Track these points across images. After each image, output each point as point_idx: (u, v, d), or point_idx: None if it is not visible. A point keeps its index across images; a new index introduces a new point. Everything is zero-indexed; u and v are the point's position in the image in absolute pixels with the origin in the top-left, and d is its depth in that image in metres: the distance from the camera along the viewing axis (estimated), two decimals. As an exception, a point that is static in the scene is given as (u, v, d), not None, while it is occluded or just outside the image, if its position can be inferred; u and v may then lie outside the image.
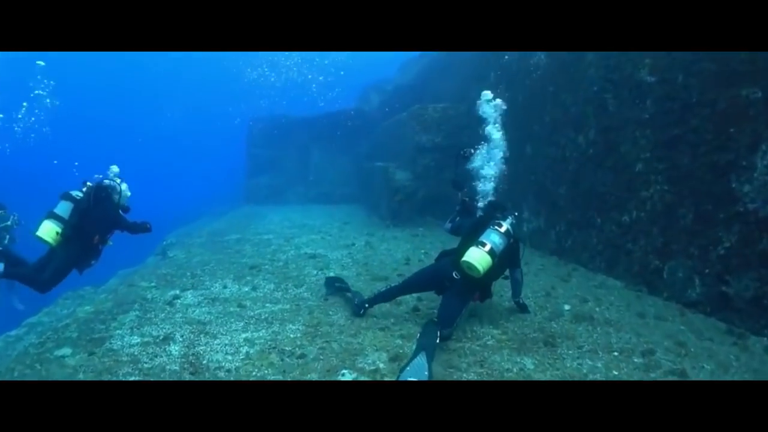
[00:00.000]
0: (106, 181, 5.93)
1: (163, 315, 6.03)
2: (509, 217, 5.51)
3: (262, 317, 5.75)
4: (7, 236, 10.57)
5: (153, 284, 7.61)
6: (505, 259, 5.39)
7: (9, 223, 10.70)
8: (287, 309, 6.04)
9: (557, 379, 4.13)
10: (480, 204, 6.24)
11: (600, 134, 7.65)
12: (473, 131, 12.64)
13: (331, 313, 5.83)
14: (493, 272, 5.15)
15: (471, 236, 5.32)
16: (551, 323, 5.45)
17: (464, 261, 4.98)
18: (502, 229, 5.28)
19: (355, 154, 20.25)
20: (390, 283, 6.00)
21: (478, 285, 5.21)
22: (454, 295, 5.11)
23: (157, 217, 8.11)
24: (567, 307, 5.98)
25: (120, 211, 6.06)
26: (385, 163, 13.65)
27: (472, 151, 6.54)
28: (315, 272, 7.84)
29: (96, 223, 5.69)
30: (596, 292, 6.58)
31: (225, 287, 7.15)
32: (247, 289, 6.99)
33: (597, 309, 5.92)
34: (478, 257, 4.94)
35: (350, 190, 19.77)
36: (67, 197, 5.60)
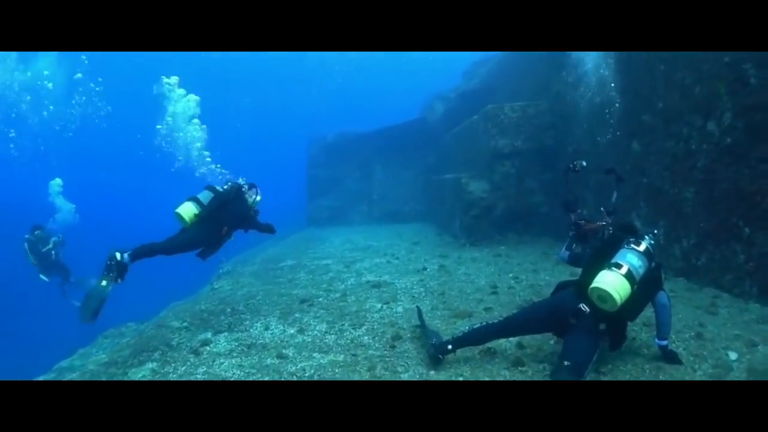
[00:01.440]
0: (245, 185, 6.51)
1: (182, 369, 4.72)
2: (647, 236, 4.06)
3: (305, 375, 4.26)
4: (53, 252, 10.38)
5: (185, 324, 6.40)
6: (645, 289, 3.88)
7: (50, 246, 10.36)
8: (340, 361, 4.51)
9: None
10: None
11: (740, 117, 5.75)
12: (559, 131, 10.92)
13: (399, 368, 4.26)
14: (631, 305, 3.78)
15: (598, 260, 3.91)
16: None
17: (594, 287, 3.69)
18: (641, 248, 3.86)
19: (422, 168, 18.75)
20: (484, 320, 4.42)
21: (611, 323, 3.83)
22: (582, 333, 3.75)
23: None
24: (733, 356, 4.12)
25: (251, 212, 6.51)
26: (456, 175, 12.04)
27: (584, 164, 5.03)
28: (379, 306, 6.31)
29: (230, 216, 6.09)
30: (762, 330, 4.66)
31: (267, 328, 5.77)
32: (292, 331, 5.56)
33: (777, 357, 4.04)
34: (613, 282, 3.62)
35: (418, 207, 18.25)
36: (211, 188, 6.04)
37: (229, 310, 6.90)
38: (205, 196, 5.94)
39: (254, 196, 6.57)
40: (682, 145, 6.72)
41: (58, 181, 12.52)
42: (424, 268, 8.44)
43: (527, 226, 10.92)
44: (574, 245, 5.04)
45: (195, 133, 11.26)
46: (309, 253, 11.87)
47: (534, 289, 6.66)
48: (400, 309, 6.11)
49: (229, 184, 6.34)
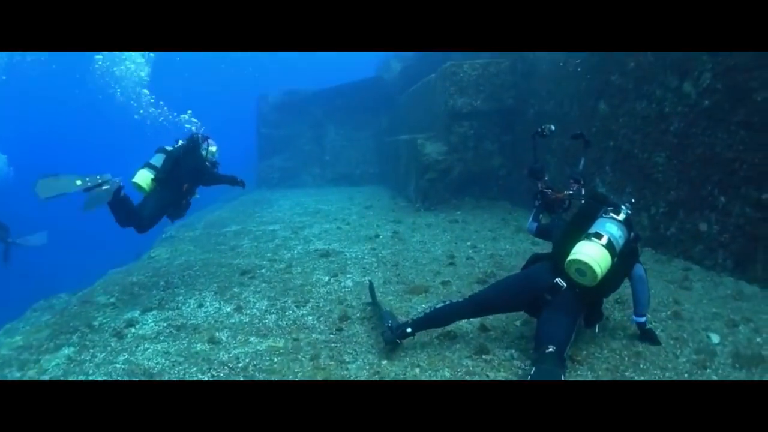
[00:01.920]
0: (196, 135, 6.22)
1: (101, 357, 4.06)
2: (623, 205, 3.67)
3: (239, 365, 3.66)
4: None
5: (112, 300, 5.68)
6: (623, 262, 3.53)
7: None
8: (280, 348, 3.94)
9: None
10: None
11: (719, 78, 5.35)
12: (521, 91, 10.41)
13: (347, 357, 3.71)
14: (610, 279, 3.43)
15: (573, 232, 3.54)
16: (707, 371, 3.29)
17: (573, 260, 3.32)
18: (620, 217, 3.50)
19: (376, 130, 18.04)
20: (447, 299, 3.93)
21: (589, 298, 3.49)
22: (559, 310, 3.36)
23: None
24: (715, 338, 3.78)
25: (207, 164, 6.23)
26: (411, 136, 11.44)
27: (553, 128, 4.46)
28: (326, 279, 5.74)
29: (186, 172, 5.88)
30: (741, 308, 4.36)
31: (201, 306, 5.12)
32: (228, 309, 4.94)
33: (759, 339, 3.72)
34: (593, 254, 3.26)
35: (371, 169, 17.64)
36: (161, 150, 5.84)
37: (162, 283, 6.19)
38: (157, 159, 5.75)
39: (208, 147, 6.29)
40: (655, 106, 6.29)
41: None
42: (377, 235, 7.90)
43: (485, 190, 10.49)
44: (540, 216, 4.60)
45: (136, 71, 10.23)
46: (256, 217, 11.12)
47: (494, 259, 6.23)
48: (349, 283, 5.56)
49: (180, 141, 6.11)
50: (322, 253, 6.93)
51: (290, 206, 12.49)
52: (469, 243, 7.07)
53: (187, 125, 7.90)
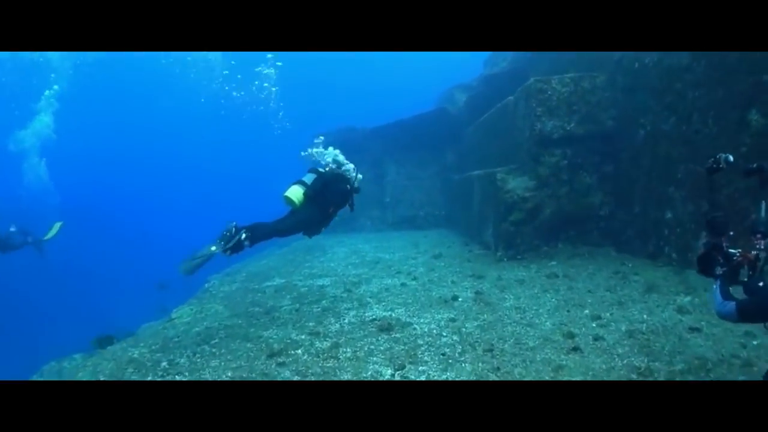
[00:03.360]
0: (346, 165, 6.59)
1: None
2: None
3: None
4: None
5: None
6: None
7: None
8: None
9: None
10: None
11: None
12: (623, 108, 8.35)
13: None
14: None
15: None
16: None
17: None
18: None
19: (440, 167, 16.22)
20: None
21: None
22: None
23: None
24: None
25: (351, 191, 6.42)
26: (487, 170, 9.57)
27: (731, 158, 3.02)
28: (388, 373, 3.88)
29: (333, 195, 6.13)
30: None
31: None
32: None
33: None
34: None
35: (437, 211, 15.76)
36: (314, 171, 6.21)
37: (165, 363, 4.61)
38: (309, 178, 6.08)
39: (355, 174, 6.60)
40: None
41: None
42: (455, 297, 5.97)
43: (582, 233, 8.38)
44: (729, 288, 2.81)
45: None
46: (304, 268, 9.48)
47: (636, 340, 4.17)
48: (423, 379, 3.66)
49: (330, 166, 6.47)
50: (382, 324, 5.08)
51: (345, 254, 10.80)
52: (587, 311, 5.02)
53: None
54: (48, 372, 6.79)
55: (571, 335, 4.32)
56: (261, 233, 5.54)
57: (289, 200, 5.89)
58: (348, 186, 6.38)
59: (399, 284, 7.02)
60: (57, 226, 11.41)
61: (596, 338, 4.23)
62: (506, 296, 5.85)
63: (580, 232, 8.42)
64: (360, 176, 6.66)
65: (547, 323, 4.74)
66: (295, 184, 5.98)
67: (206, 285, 9.56)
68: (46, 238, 11.53)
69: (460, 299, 5.88)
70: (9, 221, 11.05)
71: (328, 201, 6.07)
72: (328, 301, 6.48)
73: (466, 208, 11.52)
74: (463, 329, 4.75)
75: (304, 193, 5.88)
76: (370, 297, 6.42)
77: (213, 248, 5.17)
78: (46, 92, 19.75)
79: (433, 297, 6.10)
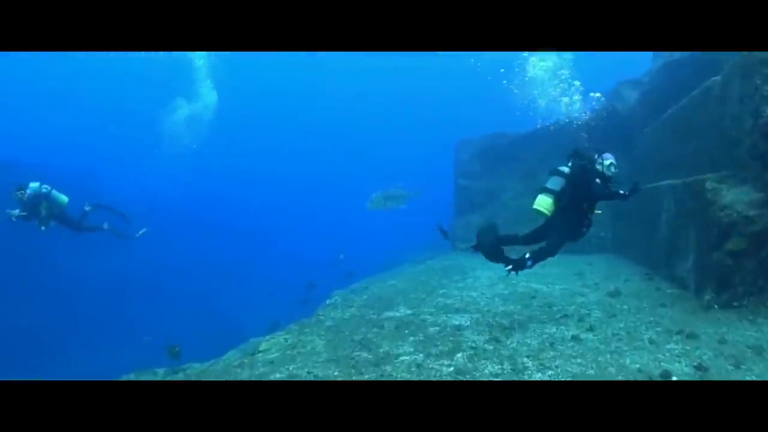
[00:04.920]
0: (585, 151, 6.08)
1: None
2: None
3: None
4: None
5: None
6: None
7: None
8: None
9: None
10: None
11: None
12: None
13: None
14: None
15: None
16: None
17: None
18: None
19: (609, 177, 13.62)
20: None
21: None
22: None
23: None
24: None
25: (598, 180, 5.74)
26: (689, 179, 7.14)
27: None
28: None
29: (584, 191, 5.68)
30: None
31: None
32: None
33: None
34: None
35: (601, 231, 13.14)
36: (557, 172, 5.82)
37: None
38: (554, 183, 5.74)
39: (603, 162, 5.90)
40: None
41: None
42: (666, 374, 3.87)
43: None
44: None
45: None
46: (438, 295, 7.87)
47: None
48: None
49: (571, 162, 5.96)
50: None
51: (490, 281, 8.95)
52: None
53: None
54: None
55: None
56: (541, 254, 5.74)
57: (539, 213, 5.75)
58: (594, 173, 5.79)
59: (569, 337, 5.06)
60: (141, 231, 11.51)
61: None
62: (746, 377, 3.64)
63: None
64: (608, 161, 5.89)
65: None
66: (541, 193, 5.78)
67: (327, 301, 8.39)
68: (137, 235, 11.56)
69: (674, 378, 3.77)
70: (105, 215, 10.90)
71: (581, 199, 5.73)
72: (463, 354, 4.76)
73: (646, 230, 9.06)
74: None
75: (553, 202, 5.66)
76: (528, 356, 4.57)
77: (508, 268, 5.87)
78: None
79: (629, 368, 4.05)
